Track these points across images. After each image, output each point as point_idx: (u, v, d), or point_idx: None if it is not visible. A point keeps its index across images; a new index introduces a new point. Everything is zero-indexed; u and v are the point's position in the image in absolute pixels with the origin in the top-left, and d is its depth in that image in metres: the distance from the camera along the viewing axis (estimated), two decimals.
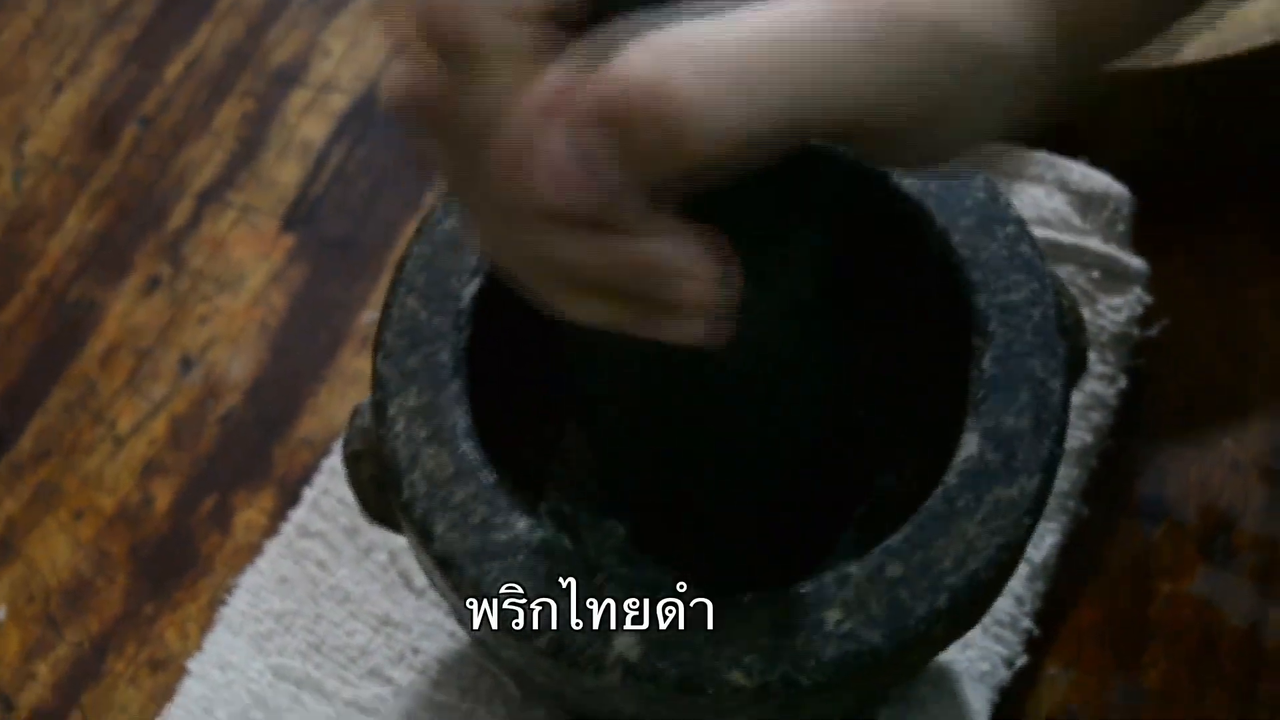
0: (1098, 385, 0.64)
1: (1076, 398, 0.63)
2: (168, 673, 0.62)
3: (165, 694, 0.62)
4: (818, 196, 0.46)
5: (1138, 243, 0.67)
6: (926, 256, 0.53)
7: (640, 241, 0.37)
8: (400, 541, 0.59)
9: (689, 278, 0.37)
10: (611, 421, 0.53)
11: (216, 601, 0.63)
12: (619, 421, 0.52)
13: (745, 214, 0.41)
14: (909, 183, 0.54)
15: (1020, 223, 0.53)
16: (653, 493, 0.55)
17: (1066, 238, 0.65)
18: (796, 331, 0.49)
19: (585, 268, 0.38)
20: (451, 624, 0.60)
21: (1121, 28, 0.43)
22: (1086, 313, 0.64)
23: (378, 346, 0.52)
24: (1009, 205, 0.53)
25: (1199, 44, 0.65)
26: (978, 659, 0.60)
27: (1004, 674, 0.60)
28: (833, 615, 0.47)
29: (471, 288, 0.53)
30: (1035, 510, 0.49)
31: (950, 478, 0.49)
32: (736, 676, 0.46)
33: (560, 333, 0.46)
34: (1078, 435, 0.63)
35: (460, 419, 0.51)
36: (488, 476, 0.50)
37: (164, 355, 0.69)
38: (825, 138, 0.39)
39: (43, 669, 0.63)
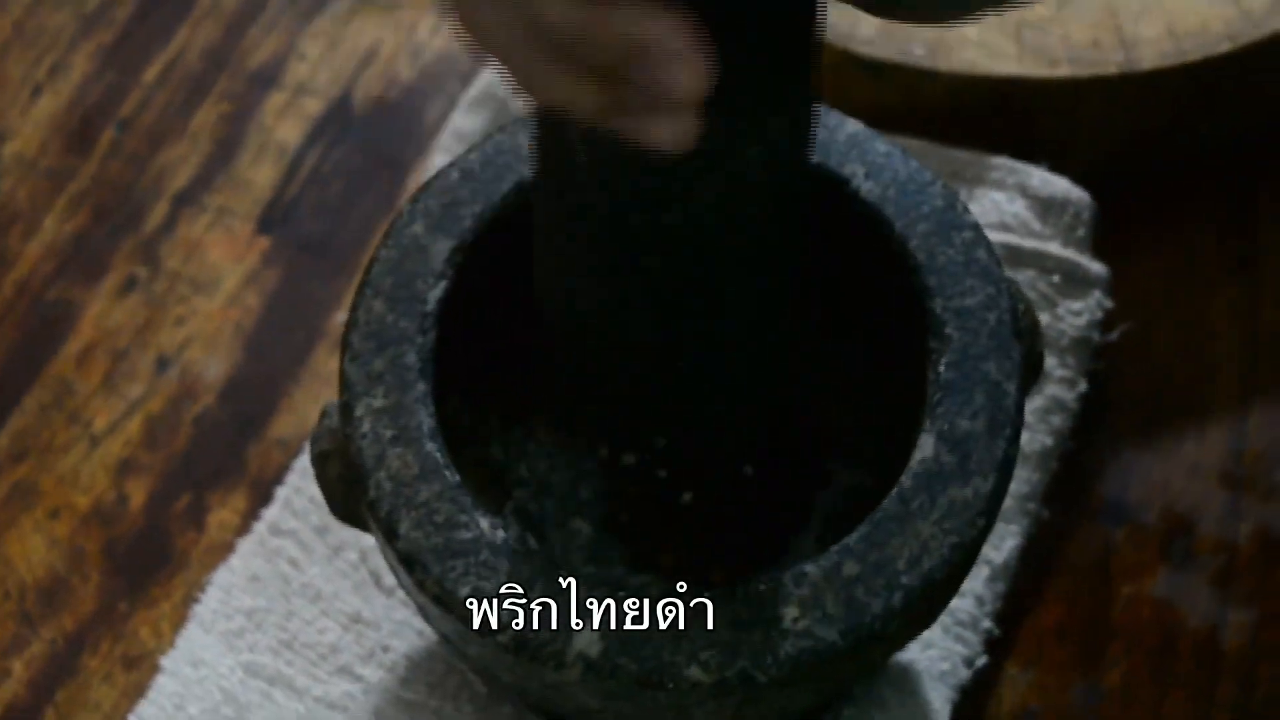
0: (1058, 389, 0.65)
1: (1037, 401, 0.64)
2: (141, 670, 0.63)
3: (138, 690, 0.62)
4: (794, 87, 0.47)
5: (1099, 247, 0.67)
6: (885, 261, 0.54)
7: (635, 16, 0.36)
8: (370, 540, 0.60)
9: (677, 63, 0.36)
10: (580, 318, 0.53)
11: (190, 599, 0.64)
12: (586, 316, 0.53)
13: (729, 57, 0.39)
14: (868, 188, 0.55)
15: (977, 228, 0.54)
16: (621, 403, 0.55)
17: (1027, 242, 0.65)
18: (755, 219, 0.49)
19: (576, 36, 0.36)
20: (420, 622, 0.61)
21: None
22: (1046, 317, 0.65)
23: (345, 349, 0.53)
24: (966, 211, 0.54)
25: (1159, 52, 0.66)
26: (938, 658, 0.61)
27: (964, 673, 0.61)
28: (790, 613, 0.48)
29: (437, 291, 0.54)
30: (990, 511, 0.50)
31: (906, 479, 0.50)
32: (695, 672, 0.47)
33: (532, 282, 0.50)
34: (1038, 439, 0.64)
35: (425, 420, 0.51)
36: (452, 476, 0.50)
37: (140, 355, 0.70)
38: None
39: (17, 666, 0.63)
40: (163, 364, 0.70)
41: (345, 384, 0.52)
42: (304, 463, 0.65)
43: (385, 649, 0.62)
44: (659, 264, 0.49)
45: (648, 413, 0.55)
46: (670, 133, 0.38)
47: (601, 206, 0.48)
